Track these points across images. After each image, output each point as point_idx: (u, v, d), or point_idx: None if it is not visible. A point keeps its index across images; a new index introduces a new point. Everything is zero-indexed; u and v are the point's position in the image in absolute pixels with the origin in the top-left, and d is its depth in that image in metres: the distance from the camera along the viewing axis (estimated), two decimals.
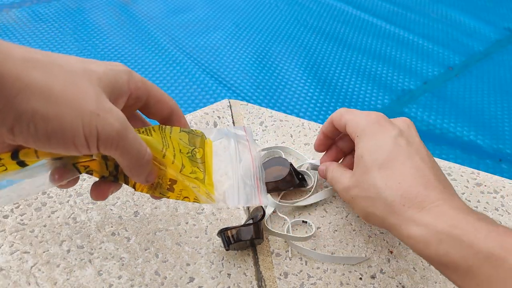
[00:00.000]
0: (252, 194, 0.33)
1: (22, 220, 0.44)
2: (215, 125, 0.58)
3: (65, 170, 0.27)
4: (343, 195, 0.37)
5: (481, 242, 0.27)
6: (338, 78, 0.91)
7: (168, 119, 0.33)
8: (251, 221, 0.42)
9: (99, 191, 0.30)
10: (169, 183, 0.30)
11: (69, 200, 0.46)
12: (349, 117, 0.38)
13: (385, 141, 0.34)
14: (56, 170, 0.27)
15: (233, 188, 0.33)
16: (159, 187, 0.31)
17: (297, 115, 0.76)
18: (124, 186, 0.31)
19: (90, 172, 0.28)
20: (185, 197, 0.32)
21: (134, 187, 0.30)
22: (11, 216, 0.44)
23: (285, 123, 0.60)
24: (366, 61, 0.97)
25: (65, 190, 0.47)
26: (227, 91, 0.83)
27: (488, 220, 0.29)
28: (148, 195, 0.47)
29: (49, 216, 0.44)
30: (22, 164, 0.25)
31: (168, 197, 0.31)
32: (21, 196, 0.29)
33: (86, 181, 0.48)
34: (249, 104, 0.63)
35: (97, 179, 0.30)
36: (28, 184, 0.28)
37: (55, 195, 0.47)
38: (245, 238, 0.40)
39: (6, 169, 0.25)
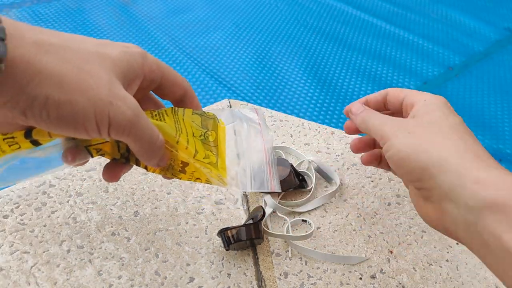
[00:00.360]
0: (264, 179, 0.32)
1: (22, 220, 0.44)
2: None
3: (77, 151, 0.28)
4: (400, 136, 0.32)
5: None
6: (338, 78, 0.91)
7: (181, 100, 0.33)
8: (251, 221, 0.42)
9: (112, 173, 0.30)
10: (181, 165, 0.30)
11: (69, 200, 0.46)
12: (415, 98, 0.35)
13: (458, 121, 0.34)
14: (68, 151, 0.27)
15: (245, 173, 0.32)
16: (171, 168, 0.31)
17: (297, 115, 0.76)
18: (135, 171, 0.32)
19: (102, 154, 0.29)
20: (197, 179, 0.31)
21: (146, 168, 0.30)
22: (11, 216, 0.44)
23: (285, 123, 0.60)
24: (366, 61, 0.97)
25: (65, 190, 0.47)
26: (227, 91, 0.83)
27: None
28: (147, 196, 0.47)
29: (49, 216, 0.44)
30: (35, 143, 0.25)
31: (180, 178, 0.31)
32: (32, 176, 0.29)
33: (86, 181, 0.48)
34: (249, 104, 0.63)
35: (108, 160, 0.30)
36: (41, 163, 0.28)
37: (55, 195, 0.47)
38: (245, 238, 0.40)
39: (20, 147, 0.25)
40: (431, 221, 0.31)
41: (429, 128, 0.32)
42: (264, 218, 0.45)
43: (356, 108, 0.38)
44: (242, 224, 0.42)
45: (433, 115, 0.33)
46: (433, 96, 0.35)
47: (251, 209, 0.48)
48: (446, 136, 0.31)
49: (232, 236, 0.40)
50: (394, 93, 0.37)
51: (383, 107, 0.39)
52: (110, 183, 0.49)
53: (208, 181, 0.31)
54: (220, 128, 0.34)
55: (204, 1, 1.15)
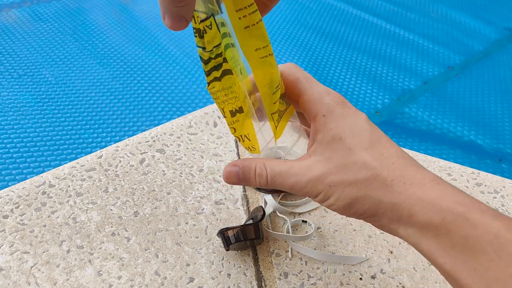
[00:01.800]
0: None
1: (22, 220, 0.44)
2: (215, 125, 0.58)
3: None
4: (311, 186, 0.30)
5: (487, 223, 0.25)
6: (338, 78, 0.91)
7: None
8: (251, 221, 0.42)
9: None
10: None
11: (69, 200, 0.46)
12: (309, 90, 0.32)
13: (362, 124, 0.31)
14: None
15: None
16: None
17: None
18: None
19: None
20: (243, 136, 0.31)
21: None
22: (11, 216, 0.44)
23: None
24: (366, 61, 0.97)
25: (65, 190, 0.47)
26: None
27: (488, 206, 0.28)
28: (147, 196, 0.47)
29: (49, 216, 0.44)
30: None
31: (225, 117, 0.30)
32: None
33: (86, 181, 0.48)
34: None
35: None
36: None
37: (54, 195, 0.47)
38: (245, 238, 0.40)
39: None
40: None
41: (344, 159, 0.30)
42: (264, 218, 0.45)
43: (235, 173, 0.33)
44: (242, 224, 0.42)
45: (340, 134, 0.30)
46: (328, 103, 0.31)
47: (251, 209, 0.48)
48: (364, 166, 0.29)
49: (232, 236, 0.40)
50: (288, 77, 0.33)
51: None
52: (110, 184, 0.49)
53: (245, 137, 0.31)
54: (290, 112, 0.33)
55: None
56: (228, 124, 0.30)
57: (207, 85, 0.28)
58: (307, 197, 0.49)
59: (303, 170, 0.30)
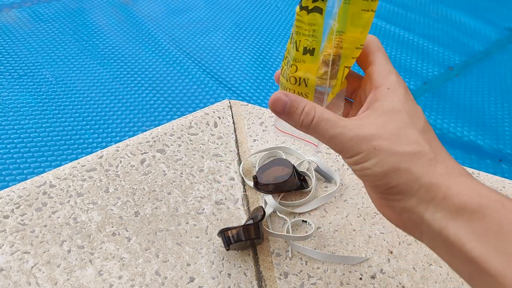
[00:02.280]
0: None
1: (22, 220, 0.44)
2: (216, 125, 0.58)
3: None
4: (353, 144, 0.29)
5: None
6: None
7: None
8: (251, 221, 0.42)
9: None
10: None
11: (69, 200, 0.46)
12: (382, 61, 0.33)
13: (419, 111, 0.31)
14: None
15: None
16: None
17: None
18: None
19: None
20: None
21: None
22: (11, 216, 0.44)
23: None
24: None
25: (65, 190, 0.47)
26: (227, 91, 0.83)
27: None
28: (148, 196, 0.47)
29: (49, 216, 0.44)
30: None
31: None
32: None
33: (87, 181, 0.48)
34: (249, 104, 0.63)
35: None
36: None
37: (55, 196, 0.47)
38: (245, 238, 0.40)
39: None
40: (390, 219, 0.32)
41: (397, 136, 0.30)
42: (264, 218, 0.45)
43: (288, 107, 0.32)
44: (243, 224, 0.42)
45: (399, 114, 0.31)
46: (396, 81, 0.32)
47: (251, 209, 0.48)
48: (416, 142, 0.30)
49: (233, 236, 0.41)
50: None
51: None
52: (111, 184, 0.49)
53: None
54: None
55: (204, 1, 1.15)
56: (293, 60, 0.30)
57: (298, 8, 0.28)
58: (307, 197, 0.49)
59: (353, 126, 0.30)
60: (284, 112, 0.32)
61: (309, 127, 0.31)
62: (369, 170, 0.29)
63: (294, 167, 0.49)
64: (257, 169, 0.50)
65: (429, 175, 0.28)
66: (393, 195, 0.29)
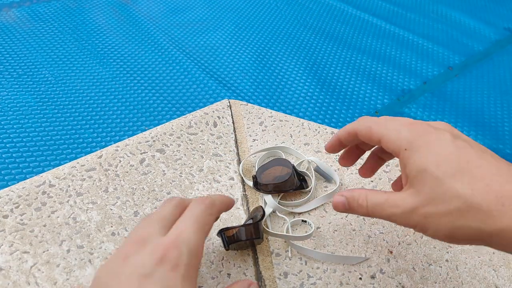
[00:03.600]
0: None
1: (22, 220, 0.44)
2: (215, 125, 0.58)
3: None
4: (406, 218, 0.30)
5: None
6: (338, 78, 0.91)
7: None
8: (251, 221, 0.42)
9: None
10: None
11: (69, 200, 0.46)
12: (384, 132, 0.33)
13: (446, 148, 0.29)
14: None
15: None
16: None
17: (297, 115, 0.76)
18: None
19: None
20: None
21: None
22: (10, 216, 0.44)
23: (285, 123, 0.60)
24: (366, 61, 0.97)
25: (65, 190, 0.47)
26: (227, 91, 0.83)
27: None
28: (147, 196, 0.47)
29: (49, 216, 0.44)
30: None
31: None
32: None
33: (86, 181, 0.48)
34: (249, 104, 0.63)
35: None
36: None
37: (55, 195, 0.47)
38: (245, 238, 0.40)
39: None
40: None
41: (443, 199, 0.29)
42: (264, 218, 0.45)
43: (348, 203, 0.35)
44: (242, 224, 0.42)
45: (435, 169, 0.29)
46: (409, 130, 0.32)
47: (251, 209, 0.48)
48: (456, 197, 0.28)
49: (232, 236, 0.41)
50: (363, 133, 0.35)
51: (356, 140, 0.38)
52: (110, 183, 0.49)
53: None
54: None
55: (204, 1, 1.15)
56: None
57: None
58: (306, 197, 0.49)
59: (398, 202, 0.31)
60: (346, 210, 0.35)
61: (368, 215, 0.34)
62: (436, 236, 0.30)
63: (293, 167, 0.49)
64: (256, 169, 0.50)
65: (489, 223, 0.27)
66: (477, 244, 0.29)
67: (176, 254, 0.28)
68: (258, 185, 0.48)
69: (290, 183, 0.47)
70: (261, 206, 0.45)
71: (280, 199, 0.49)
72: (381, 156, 0.40)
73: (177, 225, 0.31)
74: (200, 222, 0.31)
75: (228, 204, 0.37)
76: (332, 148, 0.40)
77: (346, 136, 0.38)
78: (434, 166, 0.29)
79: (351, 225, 0.47)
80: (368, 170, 0.41)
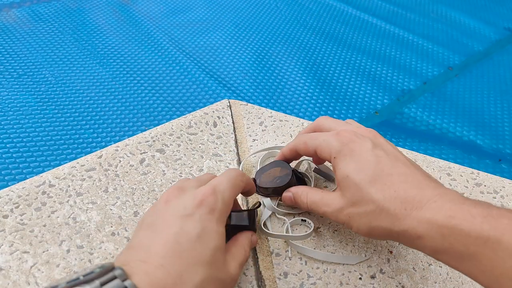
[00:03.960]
0: None
1: (21, 220, 0.44)
2: (215, 125, 0.58)
3: None
4: (335, 216, 0.37)
5: (478, 227, 0.28)
6: (338, 78, 0.91)
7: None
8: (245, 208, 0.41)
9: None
10: None
11: (69, 200, 0.46)
12: (317, 143, 0.39)
13: (365, 157, 0.35)
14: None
15: None
16: None
17: (297, 115, 0.76)
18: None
19: None
20: None
21: None
22: (10, 216, 0.44)
23: (285, 123, 0.60)
24: (366, 61, 0.97)
25: (64, 190, 0.47)
26: (227, 91, 0.83)
27: (484, 205, 0.30)
28: (147, 196, 0.47)
29: (49, 216, 0.44)
30: None
31: None
32: None
33: (86, 181, 0.48)
34: (249, 104, 0.63)
35: None
36: None
37: (54, 195, 0.47)
38: (238, 223, 0.39)
39: None
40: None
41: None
42: (263, 216, 0.45)
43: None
44: (234, 210, 0.41)
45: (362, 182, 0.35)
46: (337, 140, 0.38)
47: (250, 205, 0.48)
48: (371, 201, 0.34)
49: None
50: (302, 149, 0.42)
51: (301, 154, 0.44)
52: (110, 183, 0.49)
53: None
54: None
55: (204, 1, 1.15)
56: None
57: None
58: None
59: (329, 202, 0.37)
60: (293, 204, 0.43)
61: (308, 209, 0.41)
62: (359, 232, 0.35)
63: (293, 169, 0.48)
64: (256, 170, 0.49)
65: (396, 224, 0.32)
66: (393, 240, 0.35)
67: (213, 200, 0.32)
68: (257, 188, 0.47)
69: (290, 185, 0.47)
70: (259, 201, 0.45)
71: (279, 201, 0.49)
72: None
73: (212, 181, 0.35)
74: (233, 182, 0.35)
75: (253, 185, 0.41)
76: (282, 158, 0.47)
77: (289, 153, 0.44)
78: (355, 173, 0.34)
79: None
80: (318, 163, 0.49)
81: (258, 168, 0.49)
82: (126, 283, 0.26)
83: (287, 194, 0.43)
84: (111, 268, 0.27)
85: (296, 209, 0.48)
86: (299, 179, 0.48)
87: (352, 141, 0.36)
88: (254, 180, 0.47)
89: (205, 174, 0.39)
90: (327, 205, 0.37)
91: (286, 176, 0.46)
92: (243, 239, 0.38)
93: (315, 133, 0.40)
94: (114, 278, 0.26)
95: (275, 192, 0.47)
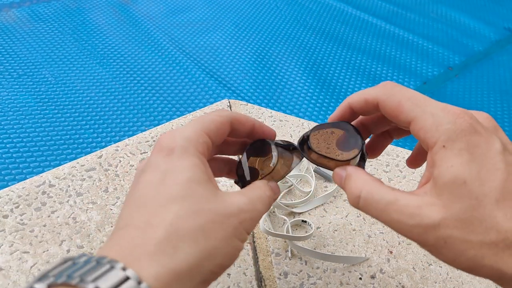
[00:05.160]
0: None
1: (22, 220, 0.44)
2: None
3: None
4: (417, 233, 0.24)
5: None
6: (338, 78, 0.91)
7: (251, 133, 0.32)
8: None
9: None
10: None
11: (69, 200, 0.46)
12: (420, 114, 0.25)
13: (493, 162, 0.23)
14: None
15: None
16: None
17: (297, 115, 0.76)
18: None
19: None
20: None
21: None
22: (10, 216, 0.44)
23: (285, 123, 0.60)
24: (366, 61, 0.97)
25: (64, 190, 0.47)
26: (227, 91, 0.83)
27: None
28: None
29: (49, 216, 0.44)
30: None
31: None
32: None
33: (86, 181, 0.48)
34: (249, 104, 0.63)
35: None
36: None
37: (54, 195, 0.47)
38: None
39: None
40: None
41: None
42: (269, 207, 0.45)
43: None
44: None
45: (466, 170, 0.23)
46: (454, 123, 0.24)
47: None
48: (495, 227, 0.23)
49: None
50: (388, 105, 0.28)
51: (373, 111, 0.30)
52: (110, 183, 0.49)
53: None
54: None
55: (204, 1, 1.15)
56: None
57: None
58: (306, 197, 0.49)
59: (411, 209, 0.24)
60: (342, 186, 0.29)
61: (358, 206, 0.27)
62: (451, 264, 0.24)
63: (363, 142, 0.33)
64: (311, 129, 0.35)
65: None
66: (492, 280, 0.24)
67: (169, 139, 0.26)
68: (304, 148, 0.33)
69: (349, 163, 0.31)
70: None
71: (280, 200, 0.49)
72: (391, 132, 0.33)
73: None
74: (200, 118, 0.28)
75: (244, 121, 0.31)
76: (337, 119, 0.33)
77: (363, 104, 0.30)
78: (477, 182, 0.23)
79: (351, 225, 0.47)
80: (373, 149, 0.34)
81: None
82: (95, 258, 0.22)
83: (340, 172, 0.29)
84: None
85: (298, 208, 0.48)
86: (362, 155, 0.32)
87: (475, 132, 0.24)
88: (305, 137, 0.33)
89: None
90: (406, 214, 0.24)
91: (352, 149, 0.31)
92: (259, 182, 0.30)
93: (415, 93, 0.27)
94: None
95: (323, 162, 0.32)
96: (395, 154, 0.57)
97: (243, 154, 0.32)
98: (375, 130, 0.33)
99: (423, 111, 0.25)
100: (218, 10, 1.13)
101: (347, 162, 0.30)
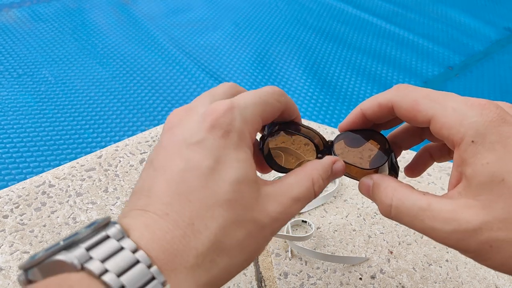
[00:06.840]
0: None
1: (22, 220, 0.44)
2: None
3: None
4: (456, 240, 0.22)
5: None
6: (338, 78, 0.91)
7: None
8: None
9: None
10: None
11: (68, 200, 0.46)
12: (439, 110, 0.23)
13: None
14: None
15: None
16: None
17: None
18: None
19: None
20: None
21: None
22: (10, 216, 0.44)
23: None
24: (366, 60, 0.97)
25: (64, 190, 0.47)
26: None
27: None
28: None
29: (48, 216, 0.44)
30: None
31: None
32: None
33: (86, 181, 0.48)
34: None
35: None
36: None
37: (54, 195, 0.46)
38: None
39: None
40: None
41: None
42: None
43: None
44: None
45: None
46: (481, 115, 0.22)
47: None
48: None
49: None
50: (404, 107, 0.25)
51: (388, 117, 0.28)
52: (110, 184, 0.48)
53: None
54: None
55: (204, 1, 1.15)
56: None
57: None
58: None
59: (446, 214, 0.22)
60: (369, 196, 0.28)
61: (390, 215, 0.25)
62: (498, 269, 0.22)
63: (391, 150, 0.32)
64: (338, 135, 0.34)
65: None
66: None
67: (229, 118, 0.23)
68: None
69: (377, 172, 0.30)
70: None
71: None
72: (433, 154, 0.31)
73: (232, 98, 0.25)
74: (262, 98, 0.25)
75: (294, 110, 0.29)
76: (349, 127, 0.31)
77: (376, 109, 0.27)
78: None
79: (351, 225, 0.47)
80: (413, 169, 0.32)
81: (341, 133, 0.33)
82: (124, 243, 0.19)
83: (367, 181, 0.28)
84: (105, 224, 0.20)
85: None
86: (393, 166, 0.30)
87: (504, 122, 0.22)
88: (332, 143, 0.32)
89: (228, 84, 0.27)
90: (441, 220, 0.22)
91: (381, 157, 0.30)
92: (314, 166, 0.27)
93: (431, 90, 0.25)
94: (107, 238, 0.19)
95: (347, 171, 0.31)
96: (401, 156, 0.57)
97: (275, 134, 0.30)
98: (404, 145, 0.31)
99: (443, 106, 0.23)
100: (218, 10, 1.13)
101: (374, 171, 0.28)
